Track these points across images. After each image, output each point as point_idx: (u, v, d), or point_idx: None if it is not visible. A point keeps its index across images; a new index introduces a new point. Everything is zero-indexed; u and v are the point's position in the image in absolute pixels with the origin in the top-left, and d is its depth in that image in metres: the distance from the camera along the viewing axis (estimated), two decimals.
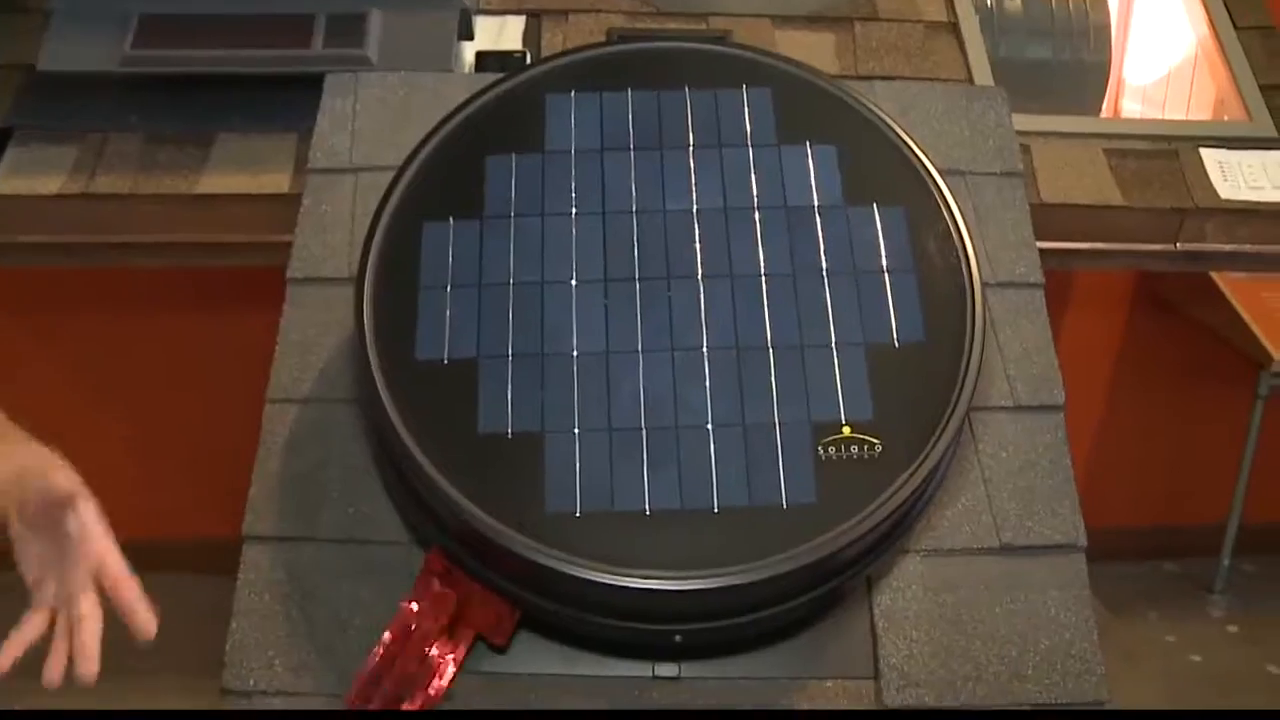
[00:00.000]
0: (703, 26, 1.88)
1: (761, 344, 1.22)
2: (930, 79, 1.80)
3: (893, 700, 1.16)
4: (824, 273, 1.26)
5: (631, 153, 1.33)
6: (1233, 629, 2.97)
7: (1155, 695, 2.70)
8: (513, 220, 1.29)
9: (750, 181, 1.31)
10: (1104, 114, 2.13)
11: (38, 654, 0.95)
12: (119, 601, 0.97)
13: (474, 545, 1.14)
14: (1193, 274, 2.68)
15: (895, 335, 1.23)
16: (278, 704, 1.16)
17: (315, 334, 1.34)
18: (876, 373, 1.20)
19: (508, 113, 1.36)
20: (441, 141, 1.34)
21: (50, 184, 1.68)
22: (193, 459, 2.71)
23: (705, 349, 1.21)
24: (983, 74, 1.84)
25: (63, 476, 0.94)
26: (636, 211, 1.29)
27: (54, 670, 0.95)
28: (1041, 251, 1.41)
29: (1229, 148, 1.84)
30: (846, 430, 1.17)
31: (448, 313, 1.23)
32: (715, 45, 1.46)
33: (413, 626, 1.14)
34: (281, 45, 1.71)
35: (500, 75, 1.40)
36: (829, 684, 1.18)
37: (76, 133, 1.73)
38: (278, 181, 1.68)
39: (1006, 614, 1.21)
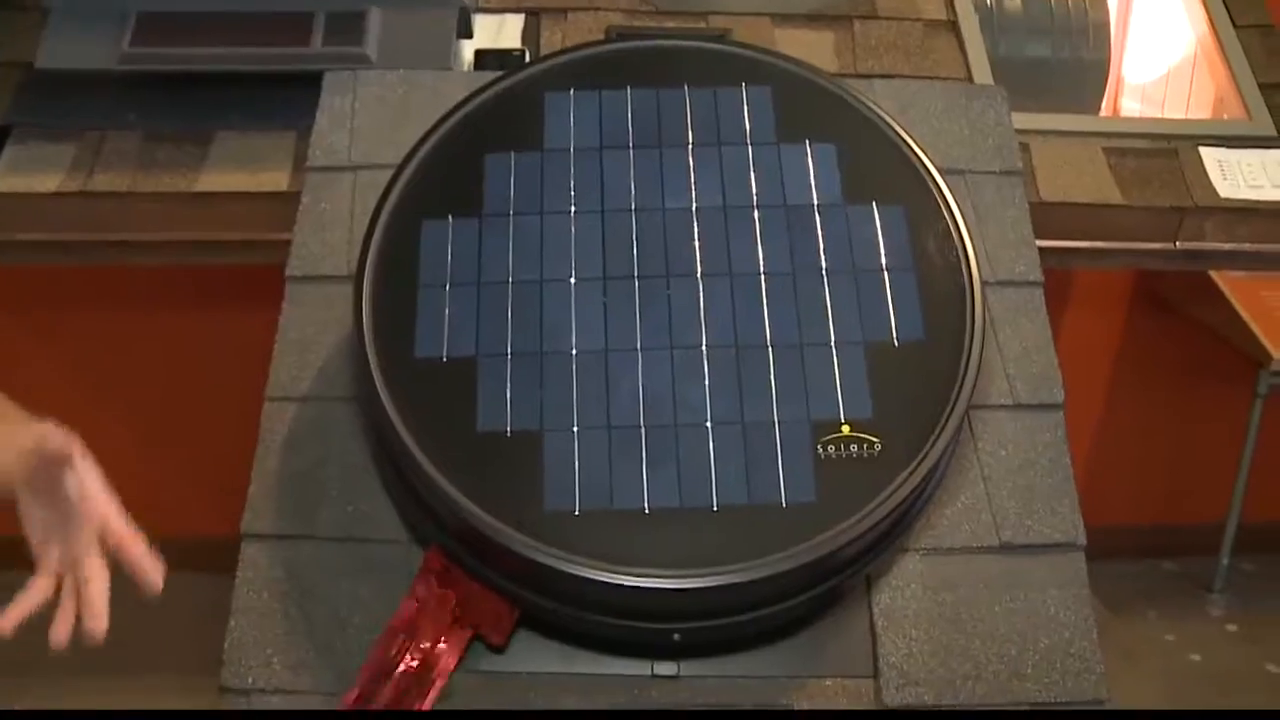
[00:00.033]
0: (702, 25, 1.87)
1: (761, 342, 1.22)
2: (929, 77, 1.80)
3: (892, 699, 1.16)
4: (823, 271, 1.26)
5: (630, 151, 1.33)
6: (1232, 628, 2.97)
7: (1154, 694, 2.70)
8: (512, 218, 1.29)
9: (749, 180, 1.31)
10: (1103, 113, 2.13)
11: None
12: (124, 559, 0.98)
13: (473, 544, 1.14)
14: (1192, 273, 2.68)
15: (895, 334, 1.22)
16: (276, 702, 1.16)
17: (314, 332, 1.34)
18: (876, 371, 1.20)
19: (507, 111, 1.36)
20: (440, 140, 1.33)
21: (49, 182, 1.68)
22: (191, 457, 2.71)
23: (704, 347, 1.21)
24: (982, 72, 1.84)
25: (57, 435, 0.95)
26: (635, 210, 1.29)
27: (61, 630, 0.95)
28: (1041, 250, 1.41)
29: (1228, 146, 1.84)
30: (846, 429, 1.17)
31: (446, 311, 1.23)
32: (714, 43, 1.46)
33: (411, 625, 1.14)
34: (280, 43, 1.71)
35: (499, 73, 1.40)
36: (828, 683, 1.18)
37: (75, 130, 1.73)
38: (276, 179, 1.68)
39: (1006, 613, 1.21)
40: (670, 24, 1.87)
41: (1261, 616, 2.99)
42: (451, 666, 1.14)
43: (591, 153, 1.33)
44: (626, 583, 1.08)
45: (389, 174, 1.32)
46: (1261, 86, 1.92)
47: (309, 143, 1.47)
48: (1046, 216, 1.65)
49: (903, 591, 1.21)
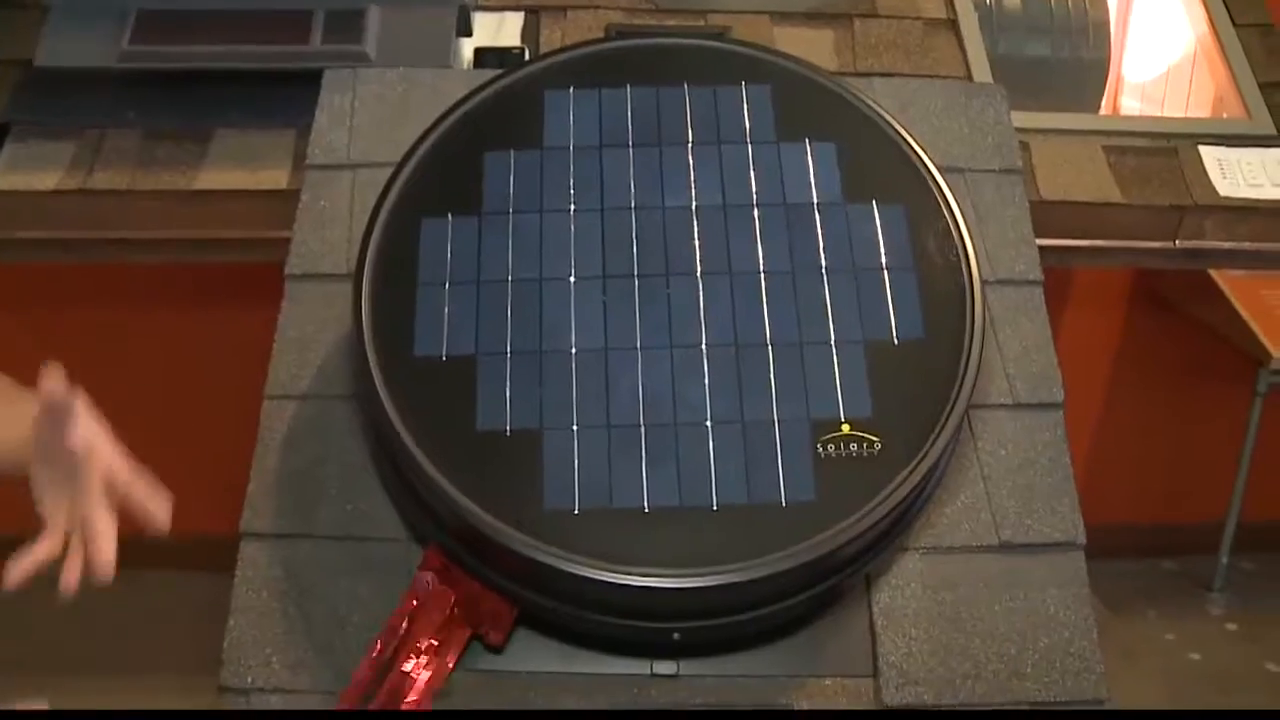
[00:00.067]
0: (701, 23, 1.87)
1: (760, 341, 1.21)
2: (929, 76, 1.80)
3: (891, 698, 1.16)
4: (823, 270, 1.26)
5: (630, 149, 1.33)
6: (1231, 627, 2.97)
7: (1154, 693, 2.70)
8: (511, 217, 1.29)
9: (749, 178, 1.31)
10: (1103, 111, 2.13)
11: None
12: (132, 501, 1.00)
13: (472, 542, 1.14)
14: (1191, 271, 2.68)
15: (894, 332, 1.22)
16: (275, 701, 1.16)
17: (313, 330, 1.34)
18: (876, 370, 1.20)
19: (506, 109, 1.36)
20: (440, 138, 1.33)
21: (48, 180, 1.68)
22: (190, 455, 2.70)
23: (704, 346, 1.21)
24: (982, 71, 1.84)
25: (60, 388, 0.96)
26: (635, 208, 1.29)
27: (70, 578, 0.96)
28: (1040, 249, 1.41)
29: (1228, 145, 1.84)
30: (845, 428, 1.17)
31: (446, 309, 1.23)
32: (714, 42, 1.45)
33: (410, 624, 1.14)
34: (280, 41, 1.71)
35: (499, 71, 1.40)
36: (828, 682, 1.18)
37: (74, 128, 1.73)
38: (276, 177, 1.68)
39: (1005, 612, 1.21)
40: (670, 22, 1.87)
41: (1261, 615, 3.00)
42: (450, 666, 1.14)
43: (591, 151, 1.33)
44: (626, 582, 1.08)
45: (388, 172, 1.31)
46: (1261, 85, 1.92)
47: (308, 141, 1.47)
48: (1046, 215, 1.65)
49: (902, 591, 1.21)
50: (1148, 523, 3.10)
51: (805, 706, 1.16)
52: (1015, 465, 1.28)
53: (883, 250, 1.27)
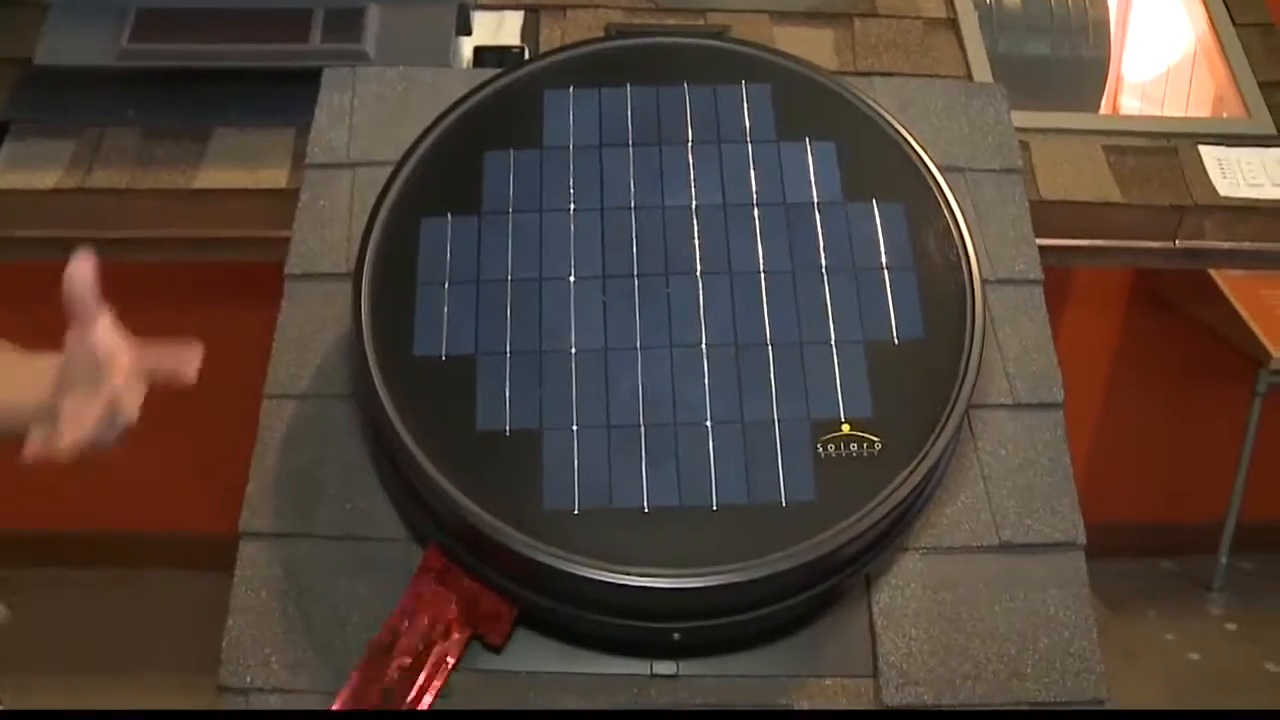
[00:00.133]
0: (701, 22, 1.87)
1: (760, 341, 1.21)
2: (929, 75, 1.80)
3: (891, 699, 1.16)
4: (823, 269, 1.26)
5: (630, 149, 1.33)
6: (1231, 627, 2.98)
7: (1154, 693, 2.71)
8: (511, 216, 1.29)
9: (749, 178, 1.31)
10: (1103, 111, 2.13)
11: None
12: (158, 367, 1.03)
13: (471, 542, 1.14)
14: (1191, 271, 2.68)
15: (895, 332, 1.22)
16: (274, 701, 1.16)
17: (313, 329, 1.34)
18: (876, 370, 1.20)
19: (506, 108, 1.36)
20: (439, 137, 1.33)
21: (47, 178, 1.68)
22: (190, 455, 2.70)
23: (704, 346, 1.21)
24: (982, 70, 1.84)
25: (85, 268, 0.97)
26: (635, 207, 1.29)
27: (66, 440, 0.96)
28: (1040, 248, 1.41)
29: (1228, 145, 1.84)
30: (846, 428, 1.17)
31: (445, 309, 1.23)
32: (714, 41, 1.45)
33: (409, 624, 1.14)
34: (279, 40, 1.70)
35: (498, 70, 1.40)
36: (828, 682, 1.17)
37: (73, 127, 1.73)
38: (275, 177, 1.67)
39: (1005, 612, 1.20)
40: (670, 21, 1.86)
41: (1261, 615, 3.00)
42: (450, 665, 1.14)
43: (591, 150, 1.33)
44: (626, 582, 1.08)
45: (388, 171, 1.31)
46: (1261, 85, 1.92)
47: (308, 139, 1.46)
48: (1046, 215, 1.65)
49: (902, 591, 1.21)
50: (1147, 522, 3.09)
51: (805, 706, 1.16)
52: (1015, 465, 1.27)
53: (883, 250, 1.27)
